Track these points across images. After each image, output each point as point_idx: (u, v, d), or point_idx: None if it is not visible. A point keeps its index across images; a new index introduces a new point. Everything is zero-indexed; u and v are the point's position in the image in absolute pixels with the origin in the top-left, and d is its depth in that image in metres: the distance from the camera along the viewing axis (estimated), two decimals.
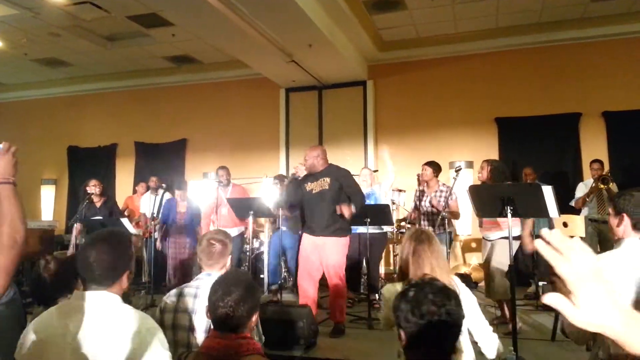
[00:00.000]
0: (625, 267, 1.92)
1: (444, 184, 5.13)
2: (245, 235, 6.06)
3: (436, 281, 1.41)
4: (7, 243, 1.48)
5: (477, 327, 2.18)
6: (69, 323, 1.60)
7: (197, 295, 2.32)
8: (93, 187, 5.79)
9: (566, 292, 0.70)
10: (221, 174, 5.99)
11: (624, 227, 2.01)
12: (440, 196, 4.97)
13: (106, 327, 1.59)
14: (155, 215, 5.62)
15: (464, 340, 2.14)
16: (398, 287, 2.25)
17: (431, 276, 1.50)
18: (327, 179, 4.34)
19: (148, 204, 6.53)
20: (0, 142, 1.70)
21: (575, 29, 7.02)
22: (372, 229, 5.06)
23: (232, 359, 1.51)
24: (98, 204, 5.82)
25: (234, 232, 5.73)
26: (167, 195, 6.15)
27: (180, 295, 2.34)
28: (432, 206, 4.98)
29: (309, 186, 4.45)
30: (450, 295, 1.35)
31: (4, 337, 1.74)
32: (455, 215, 5.02)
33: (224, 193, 5.94)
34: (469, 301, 2.18)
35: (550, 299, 0.70)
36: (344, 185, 4.34)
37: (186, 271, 5.58)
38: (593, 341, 2.02)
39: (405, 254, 2.24)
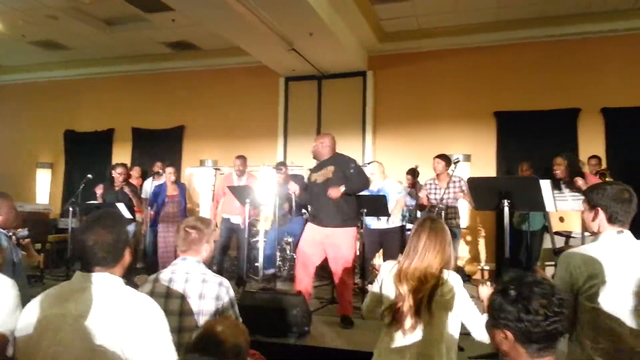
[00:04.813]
0: (602, 262, 1.95)
1: (455, 175, 5.15)
2: (242, 225, 6.06)
3: (529, 275, 1.39)
4: None
5: (470, 319, 2.19)
6: (70, 304, 1.59)
7: (173, 280, 2.33)
8: (118, 175, 5.87)
9: None
10: (238, 163, 6.03)
11: (599, 221, 2.03)
12: (456, 187, 5.02)
13: (108, 309, 1.58)
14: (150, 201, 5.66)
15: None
16: (391, 265, 2.33)
17: (523, 273, 1.47)
18: (331, 168, 4.25)
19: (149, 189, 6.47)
20: None
21: (576, 24, 6.98)
22: (387, 224, 5.15)
23: None
24: (118, 188, 5.86)
25: (237, 220, 5.85)
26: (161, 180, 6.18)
27: (155, 281, 2.35)
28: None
29: (313, 177, 4.41)
30: (551, 282, 1.35)
31: None
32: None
33: (239, 183, 5.96)
34: (461, 293, 2.20)
35: None
36: (347, 170, 4.21)
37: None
38: (570, 333, 2.05)
39: (411, 240, 2.28)
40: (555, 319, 1.28)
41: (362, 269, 5.37)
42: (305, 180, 4.65)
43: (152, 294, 2.25)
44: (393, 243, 5.32)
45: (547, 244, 4.43)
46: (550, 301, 1.29)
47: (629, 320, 1.89)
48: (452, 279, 2.22)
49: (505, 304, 1.33)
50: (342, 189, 4.09)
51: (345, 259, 4.23)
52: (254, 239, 6.69)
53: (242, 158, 6.08)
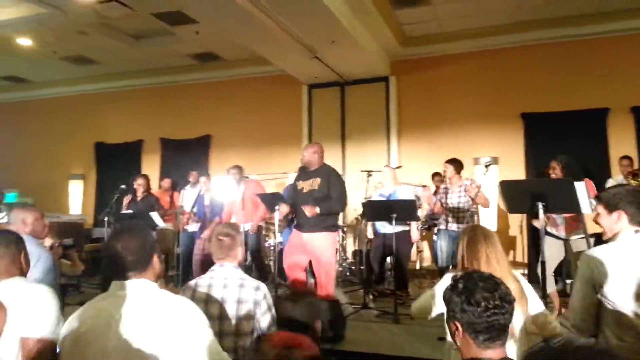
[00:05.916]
0: (623, 260, 2.00)
1: (467, 178, 5.12)
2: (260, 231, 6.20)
3: (480, 271, 1.51)
4: None
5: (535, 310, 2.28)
6: (112, 312, 1.64)
7: (211, 285, 2.41)
8: (139, 186, 6.08)
9: None
10: (232, 172, 6.16)
11: (621, 222, 2.08)
12: (462, 191, 4.98)
13: (149, 314, 1.64)
14: (192, 209, 5.85)
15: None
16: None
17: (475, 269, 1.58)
18: (318, 180, 4.37)
19: (189, 198, 6.55)
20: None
21: (604, 22, 6.88)
22: (396, 228, 5.05)
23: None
24: (139, 198, 6.02)
25: (244, 227, 5.83)
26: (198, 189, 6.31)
27: (195, 286, 2.44)
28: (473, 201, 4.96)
29: (300, 185, 4.53)
30: (498, 281, 1.45)
31: None
32: (485, 203, 4.97)
33: (237, 190, 6.07)
34: (530, 290, 2.28)
35: None
36: (330, 187, 4.34)
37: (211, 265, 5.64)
38: (597, 331, 2.07)
39: (461, 250, 2.29)
40: (495, 312, 1.38)
41: (398, 276, 5.33)
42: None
43: (192, 299, 2.33)
44: (404, 246, 5.31)
45: (582, 246, 4.36)
46: (492, 295, 1.39)
47: None
48: (520, 278, 2.31)
49: (453, 296, 1.45)
50: (317, 210, 4.22)
51: (326, 264, 4.31)
52: (282, 246, 6.74)
53: (234, 168, 6.20)
